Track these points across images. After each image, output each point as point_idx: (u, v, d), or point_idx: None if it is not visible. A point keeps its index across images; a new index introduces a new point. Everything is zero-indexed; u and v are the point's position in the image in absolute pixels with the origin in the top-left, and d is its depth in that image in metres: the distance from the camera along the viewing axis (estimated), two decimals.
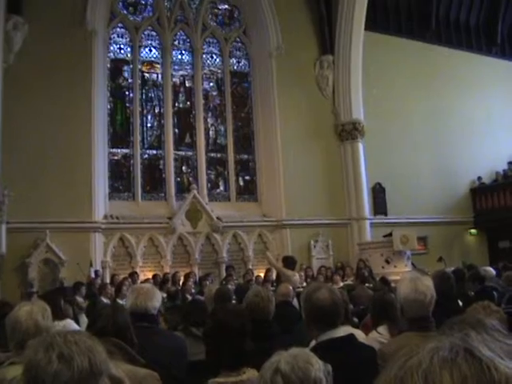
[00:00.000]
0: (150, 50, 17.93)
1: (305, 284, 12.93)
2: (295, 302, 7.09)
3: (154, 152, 17.42)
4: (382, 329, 4.76)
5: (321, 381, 2.03)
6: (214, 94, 18.65)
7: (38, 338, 1.86)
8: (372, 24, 19.33)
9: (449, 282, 6.12)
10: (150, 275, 14.66)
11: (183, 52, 18.37)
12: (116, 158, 16.88)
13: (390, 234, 16.09)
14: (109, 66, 17.10)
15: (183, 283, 12.95)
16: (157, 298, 4.24)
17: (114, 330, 3.04)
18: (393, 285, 9.96)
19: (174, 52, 18.16)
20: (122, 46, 17.52)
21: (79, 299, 10.43)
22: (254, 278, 14.24)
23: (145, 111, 17.47)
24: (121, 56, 17.50)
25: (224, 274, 15.32)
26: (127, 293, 7.05)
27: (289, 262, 10.35)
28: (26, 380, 1.70)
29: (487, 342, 0.85)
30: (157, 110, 17.62)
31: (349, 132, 18.52)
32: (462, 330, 0.91)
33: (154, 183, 17.25)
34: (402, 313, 3.57)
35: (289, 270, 10.18)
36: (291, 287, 6.71)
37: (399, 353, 0.89)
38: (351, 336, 3.29)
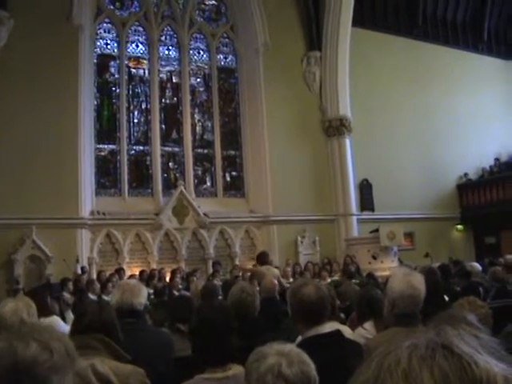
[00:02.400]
0: (137, 46, 17.85)
1: (292, 280, 12.94)
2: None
3: (141, 148, 17.37)
4: (368, 325, 4.77)
5: (315, 380, 2.03)
6: (201, 89, 18.61)
7: (5, 332, 1.83)
8: (359, 20, 19.35)
9: (435, 278, 6.15)
10: (136, 271, 14.63)
11: (170, 48, 18.31)
12: (103, 153, 16.81)
13: (377, 230, 16.16)
14: (95, 61, 16.99)
15: (170, 279, 12.94)
16: (143, 294, 4.23)
17: (99, 327, 3.03)
18: (380, 280, 10.00)
19: (160, 48, 18.09)
20: (108, 42, 17.43)
21: (66, 295, 10.39)
22: (240, 274, 14.23)
23: (131, 107, 17.40)
24: (107, 51, 17.40)
25: (211, 270, 15.30)
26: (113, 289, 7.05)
27: (262, 259, 10.32)
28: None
29: (464, 337, 0.84)
30: (143, 106, 17.56)
31: (336, 128, 18.53)
32: (438, 326, 0.90)
33: (141, 179, 17.19)
34: (392, 308, 3.58)
35: (262, 266, 10.13)
36: (275, 281, 6.70)
37: (377, 350, 0.88)
38: (338, 332, 3.30)
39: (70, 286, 11.17)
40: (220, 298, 6.47)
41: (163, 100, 17.87)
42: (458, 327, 0.87)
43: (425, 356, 0.81)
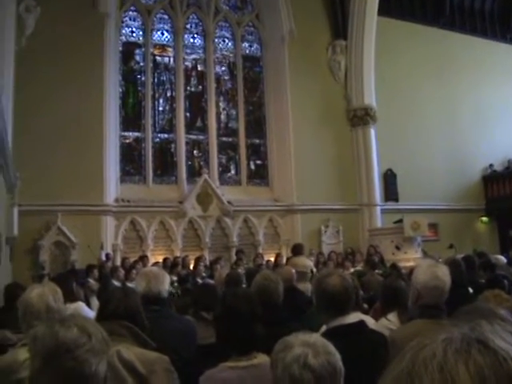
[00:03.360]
0: (162, 34, 17.88)
1: (315, 270, 12.94)
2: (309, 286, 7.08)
3: (166, 136, 17.43)
4: (392, 316, 4.75)
5: (341, 370, 2.03)
6: (226, 78, 18.62)
7: (46, 320, 1.91)
8: (385, 9, 19.17)
9: (460, 270, 6.12)
10: (160, 259, 14.69)
11: (195, 36, 18.33)
12: (127, 141, 16.90)
13: (401, 221, 16.07)
14: (121, 49, 17.08)
15: (194, 267, 12.98)
16: (167, 282, 4.27)
17: (125, 313, 3.05)
18: (403, 271, 9.95)
19: (186, 36, 18.12)
20: (134, 29, 17.50)
21: (91, 282, 10.47)
22: (264, 263, 14.25)
23: (156, 95, 17.46)
24: (133, 39, 17.47)
25: (234, 258, 15.35)
26: (136, 276, 7.09)
27: (296, 251, 10.33)
28: (42, 351, 1.73)
29: (500, 333, 0.84)
30: (168, 94, 17.61)
31: (360, 117, 18.44)
32: (473, 320, 0.90)
33: (165, 167, 17.26)
34: (416, 300, 3.57)
35: (296, 257, 10.11)
36: (293, 271, 6.69)
37: (409, 343, 0.88)
38: (362, 322, 3.30)
39: (96, 272, 11.24)
40: (244, 286, 6.49)
41: (188, 88, 17.90)
42: (493, 322, 0.86)
43: (460, 350, 0.81)
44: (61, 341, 1.71)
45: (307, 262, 9.39)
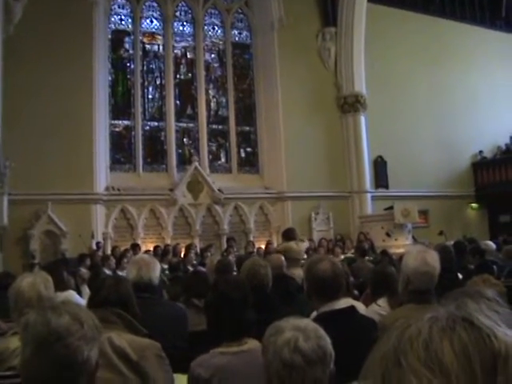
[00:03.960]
0: (151, 21, 17.80)
1: (305, 256, 12.96)
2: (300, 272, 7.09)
3: (156, 124, 17.40)
4: (382, 301, 4.79)
5: (331, 354, 2.05)
6: (216, 65, 18.56)
7: (37, 308, 1.92)
8: None
9: (450, 256, 6.16)
10: (151, 247, 14.71)
11: (185, 23, 18.25)
12: (117, 129, 16.85)
13: (391, 207, 16.11)
14: (110, 37, 16.99)
15: (185, 254, 13.02)
16: (158, 269, 4.29)
17: (116, 301, 3.06)
18: (394, 258, 10.00)
19: (175, 23, 18.04)
20: (122, 17, 17.41)
21: (83, 270, 10.47)
22: (255, 250, 14.28)
23: (146, 83, 17.41)
24: (122, 27, 17.39)
25: (225, 245, 15.38)
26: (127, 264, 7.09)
27: (288, 235, 10.18)
28: (34, 339, 1.73)
29: (485, 311, 0.86)
30: (158, 82, 17.55)
31: (351, 104, 18.44)
32: (459, 300, 0.92)
33: (156, 155, 17.24)
34: (406, 285, 3.60)
35: (290, 242, 10.06)
36: (283, 258, 6.68)
37: (396, 323, 0.90)
38: (352, 308, 3.32)
39: (88, 261, 11.24)
40: (234, 273, 6.51)
41: (178, 76, 17.85)
42: (479, 301, 0.88)
43: (445, 327, 0.82)
44: (53, 328, 1.71)
45: (301, 247, 9.34)
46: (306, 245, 10.44)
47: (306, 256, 10.09)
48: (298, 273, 7.13)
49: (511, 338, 0.81)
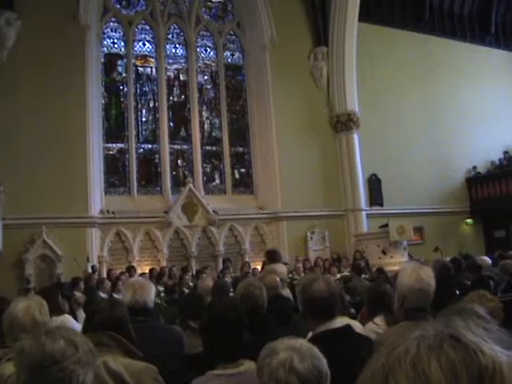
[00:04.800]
0: (144, 44, 17.88)
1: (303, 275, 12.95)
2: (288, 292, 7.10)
3: (150, 146, 17.41)
4: (379, 319, 4.77)
5: (327, 374, 2.04)
6: (209, 87, 18.63)
7: (32, 333, 1.92)
8: (365, 15, 19.26)
9: (449, 272, 6.16)
10: (146, 269, 14.65)
11: (177, 46, 18.33)
12: (111, 152, 16.86)
13: (386, 225, 16.15)
14: (102, 60, 17.05)
15: (180, 277, 12.97)
16: (153, 292, 4.27)
17: (111, 324, 3.05)
18: (390, 275, 9.99)
19: (167, 46, 18.12)
20: (115, 41, 17.48)
21: (78, 294, 10.42)
22: (251, 271, 14.24)
23: (139, 105, 17.44)
24: (114, 50, 17.45)
25: (221, 267, 15.35)
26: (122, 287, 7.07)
27: (271, 256, 9.89)
28: (29, 364, 1.73)
29: (471, 328, 0.86)
30: (151, 104, 17.60)
31: (344, 123, 18.50)
32: (447, 317, 0.92)
33: (150, 177, 17.24)
34: (401, 303, 3.58)
35: (271, 265, 9.87)
36: (278, 278, 6.67)
37: (386, 342, 0.90)
38: (348, 327, 3.31)
39: (82, 285, 11.19)
40: (231, 294, 6.49)
41: (171, 98, 17.90)
42: (467, 318, 0.88)
43: (433, 346, 0.83)
44: (48, 352, 1.71)
45: (284, 269, 9.31)
46: (284, 269, 10.39)
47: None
48: (287, 292, 7.13)
49: (497, 353, 0.81)
